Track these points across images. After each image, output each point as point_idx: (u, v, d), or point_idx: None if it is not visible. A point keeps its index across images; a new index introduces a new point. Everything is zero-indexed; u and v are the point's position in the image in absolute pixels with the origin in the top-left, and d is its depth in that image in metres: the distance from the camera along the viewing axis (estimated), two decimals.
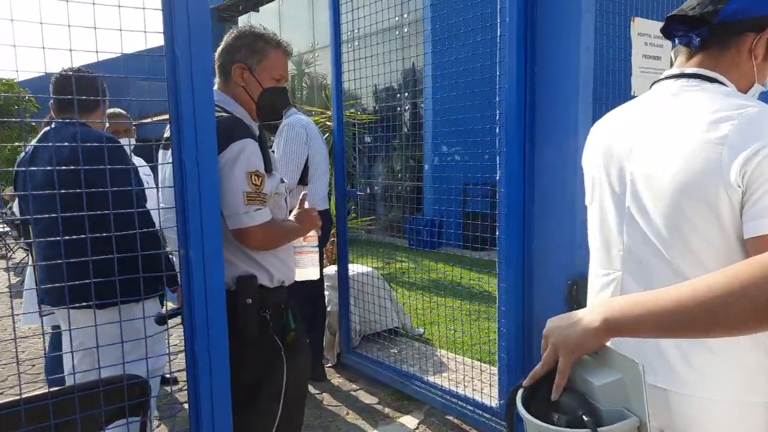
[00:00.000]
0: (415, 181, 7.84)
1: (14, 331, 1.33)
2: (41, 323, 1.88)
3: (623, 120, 1.14)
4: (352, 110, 8.18)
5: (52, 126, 2.19)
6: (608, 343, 0.84)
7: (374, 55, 3.35)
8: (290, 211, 1.88)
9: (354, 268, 3.65)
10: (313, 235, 1.88)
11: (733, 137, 0.90)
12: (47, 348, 2.91)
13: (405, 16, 7.68)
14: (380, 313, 3.52)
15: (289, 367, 1.72)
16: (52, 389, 1.33)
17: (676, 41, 1.10)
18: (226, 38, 1.71)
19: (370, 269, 3.79)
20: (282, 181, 1.82)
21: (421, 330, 4.21)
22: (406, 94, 9.07)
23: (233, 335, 1.59)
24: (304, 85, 13.37)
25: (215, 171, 1.45)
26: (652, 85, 1.15)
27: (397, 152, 8.85)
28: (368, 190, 9.30)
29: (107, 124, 2.39)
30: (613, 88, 2.90)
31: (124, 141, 3.24)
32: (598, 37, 2.76)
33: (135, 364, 1.55)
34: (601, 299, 1.04)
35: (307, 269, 1.88)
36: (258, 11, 13.28)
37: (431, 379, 3.04)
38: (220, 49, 1.71)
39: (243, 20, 13.95)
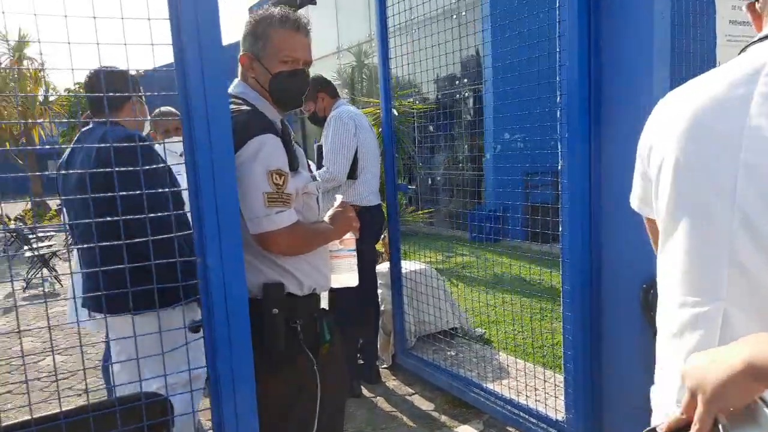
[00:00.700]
0: (475, 170, 7.55)
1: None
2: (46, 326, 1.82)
3: (717, 93, 0.83)
4: (410, 99, 7.98)
5: (88, 127, 2.16)
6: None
7: (426, 37, 3.14)
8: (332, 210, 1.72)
9: (407, 266, 3.47)
10: (350, 238, 1.71)
11: None
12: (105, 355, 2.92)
13: None
14: (436, 314, 3.33)
15: (324, 383, 1.58)
16: (65, 409, 1.24)
17: None
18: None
19: (425, 266, 3.60)
20: (314, 179, 1.66)
21: (481, 330, 3.98)
22: (465, 80, 8.75)
23: (261, 348, 1.46)
24: (363, 76, 13.26)
25: (232, 172, 1.32)
26: (745, 48, 0.86)
27: (456, 141, 8.58)
28: (429, 182, 9.09)
29: (147, 122, 2.31)
30: (694, 62, 2.54)
31: (176, 139, 3.21)
32: (675, 2, 2.42)
33: (173, 372, 1.44)
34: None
35: (344, 275, 1.72)
36: (315, 3, 13.28)
37: (491, 386, 2.83)
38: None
39: (301, 15, 14.02)
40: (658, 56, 2.00)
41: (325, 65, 13.04)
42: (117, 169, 1.27)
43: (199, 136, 1.26)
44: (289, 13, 1.54)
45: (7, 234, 8.53)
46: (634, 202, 1.04)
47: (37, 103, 15.48)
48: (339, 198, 1.72)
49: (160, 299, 1.38)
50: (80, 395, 3.40)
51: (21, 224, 9.19)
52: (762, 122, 0.77)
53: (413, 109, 7.13)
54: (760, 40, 0.84)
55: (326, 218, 1.67)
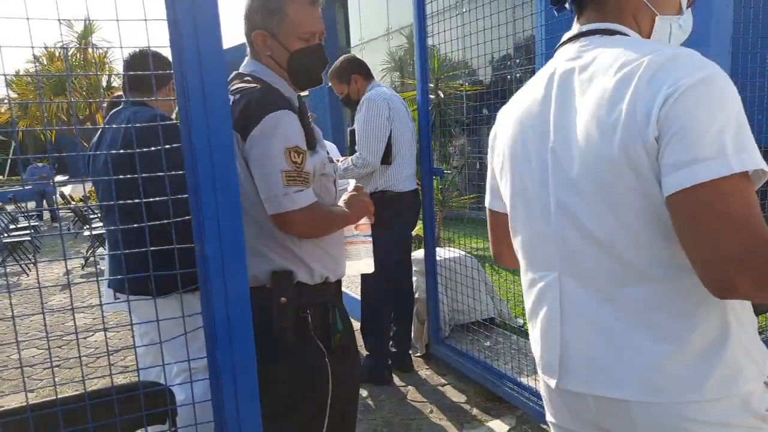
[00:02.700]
0: None
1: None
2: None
3: (530, 97, 1.01)
4: (459, 81, 7.74)
5: (118, 108, 2.16)
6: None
7: (471, 10, 2.98)
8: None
9: (444, 253, 3.35)
10: (365, 224, 1.64)
11: (642, 90, 0.80)
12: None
13: None
14: (472, 305, 3.20)
15: (336, 374, 1.52)
16: (61, 396, 1.23)
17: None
18: (245, 3, 1.49)
19: (462, 254, 3.47)
20: (331, 160, 1.58)
21: (521, 320, 3.82)
22: (517, 60, 8.41)
23: (270, 339, 1.40)
24: (413, 59, 13.03)
25: (231, 152, 1.24)
26: (555, 49, 1.03)
27: None
28: (478, 166, 8.83)
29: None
30: (763, 32, 2.25)
31: None
32: None
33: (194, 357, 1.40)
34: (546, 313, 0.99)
35: (360, 262, 1.64)
36: None
37: (526, 380, 2.69)
38: (243, 18, 1.50)
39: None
40: (717, 26, 1.78)
41: (376, 47, 12.90)
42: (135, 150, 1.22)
43: (195, 115, 1.20)
44: None
45: (71, 213, 8.95)
46: (486, 200, 1.18)
47: (102, 89, 16.13)
48: (352, 183, 1.64)
49: (180, 282, 1.33)
50: (122, 372, 3.50)
51: (83, 204, 9.63)
52: (559, 114, 0.93)
53: (460, 90, 6.92)
54: (560, 45, 1.00)
55: (341, 202, 1.59)
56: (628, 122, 0.81)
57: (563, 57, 0.97)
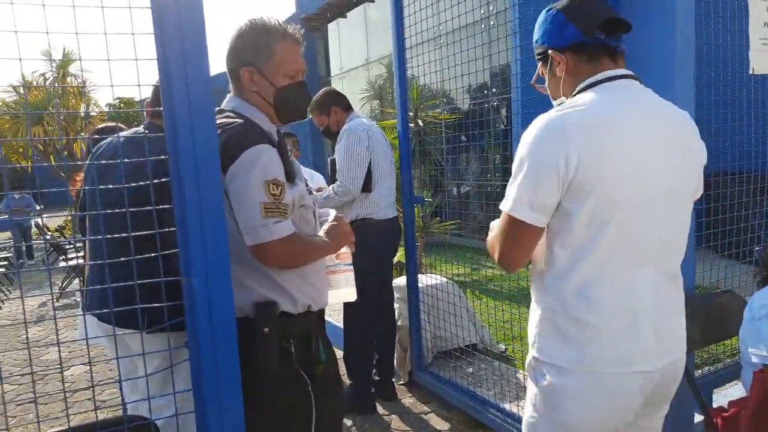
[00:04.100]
0: (502, 180, 7.39)
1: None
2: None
3: (632, 121, 1.19)
4: (437, 110, 7.89)
5: (139, 129, 2.07)
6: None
7: (451, 44, 3.07)
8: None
9: (425, 280, 3.38)
10: (346, 252, 1.66)
11: (695, 128, 1.29)
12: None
13: (491, 8, 7.29)
14: (454, 331, 3.22)
15: (319, 404, 1.52)
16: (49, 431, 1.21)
17: (621, 45, 1.29)
18: (230, 39, 1.53)
19: (443, 280, 3.50)
20: (310, 192, 1.62)
21: (503, 346, 3.84)
22: (494, 90, 8.62)
23: (253, 369, 1.41)
24: (392, 88, 13.21)
25: (218, 186, 1.27)
26: (607, 80, 1.24)
27: (485, 152, 8.43)
28: (455, 192, 8.95)
29: None
30: (724, 67, 2.39)
31: None
32: (703, 7, 2.30)
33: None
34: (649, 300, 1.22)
35: (341, 290, 1.66)
36: (345, 17, 13.38)
37: (509, 407, 2.71)
38: (226, 53, 1.54)
39: (331, 28, 14.13)
40: (681, 61, 1.88)
41: (356, 76, 13.08)
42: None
43: (184, 149, 1.22)
44: (287, 25, 1.51)
45: (47, 244, 8.79)
46: (527, 215, 1.20)
47: (79, 119, 16.00)
48: (332, 212, 1.67)
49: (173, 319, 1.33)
50: (99, 408, 3.42)
51: (59, 234, 9.47)
52: (663, 137, 1.22)
53: (439, 119, 7.05)
54: (619, 77, 1.26)
55: (321, 232, 1.62)
56: (697, 152, 1.27)
57: (638, 90, 1.26)
